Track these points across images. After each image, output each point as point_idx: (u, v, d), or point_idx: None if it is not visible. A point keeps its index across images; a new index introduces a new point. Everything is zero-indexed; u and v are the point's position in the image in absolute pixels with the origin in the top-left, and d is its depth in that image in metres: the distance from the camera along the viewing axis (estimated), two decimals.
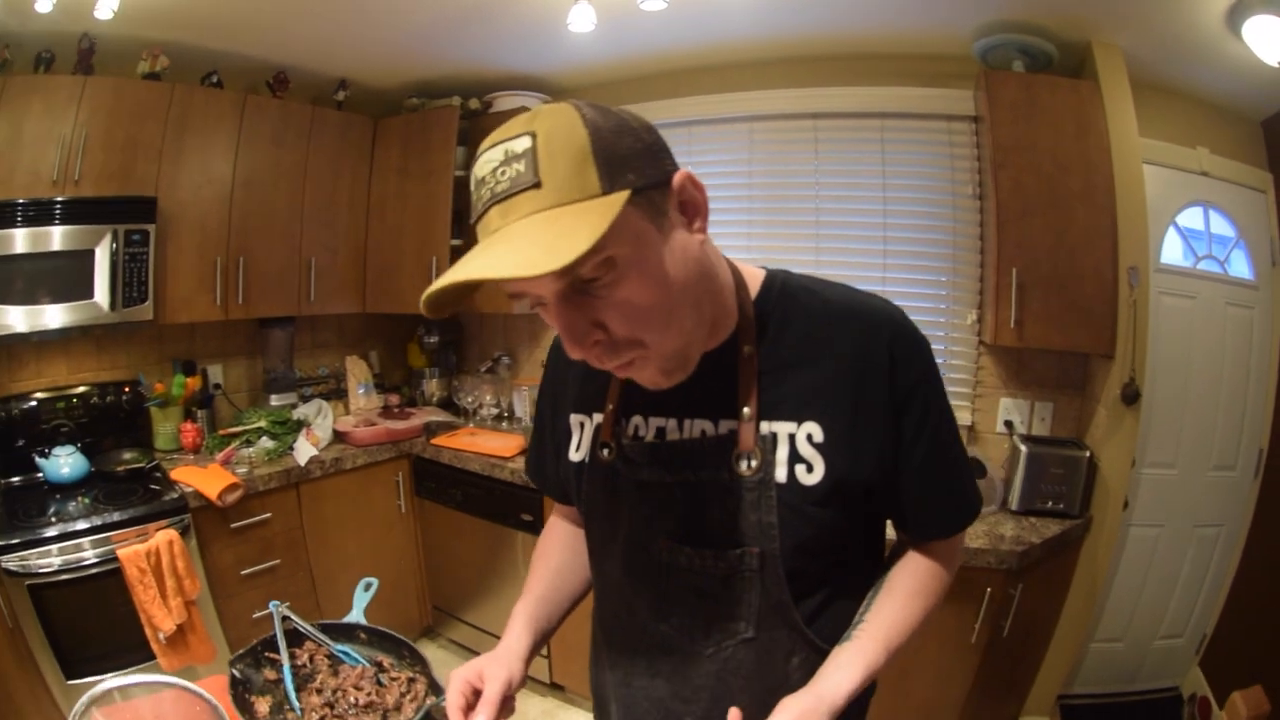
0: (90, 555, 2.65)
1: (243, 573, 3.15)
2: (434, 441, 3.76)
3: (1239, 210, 3.09)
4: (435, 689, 1.43)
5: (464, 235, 3.90)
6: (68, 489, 2.96)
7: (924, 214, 3.21)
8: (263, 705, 1.38)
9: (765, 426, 1.03)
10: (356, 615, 1.65)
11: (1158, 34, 2.53)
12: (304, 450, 3.40)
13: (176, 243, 3.24)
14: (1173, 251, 3.06)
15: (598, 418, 1.17)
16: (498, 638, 1.20)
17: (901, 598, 1.11)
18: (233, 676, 1.40)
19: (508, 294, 0.89)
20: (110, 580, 2.66)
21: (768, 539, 1.02)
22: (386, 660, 1.54)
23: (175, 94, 3.17)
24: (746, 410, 1.03)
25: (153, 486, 2.99)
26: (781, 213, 3.49)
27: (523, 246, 0.78)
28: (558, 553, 1.37)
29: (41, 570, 2.55)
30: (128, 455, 3.21)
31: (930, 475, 1.08)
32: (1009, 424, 3.07)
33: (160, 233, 3.13)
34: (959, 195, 3.12)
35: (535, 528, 3.32)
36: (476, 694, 1.08)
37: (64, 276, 2.90)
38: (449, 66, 3.71)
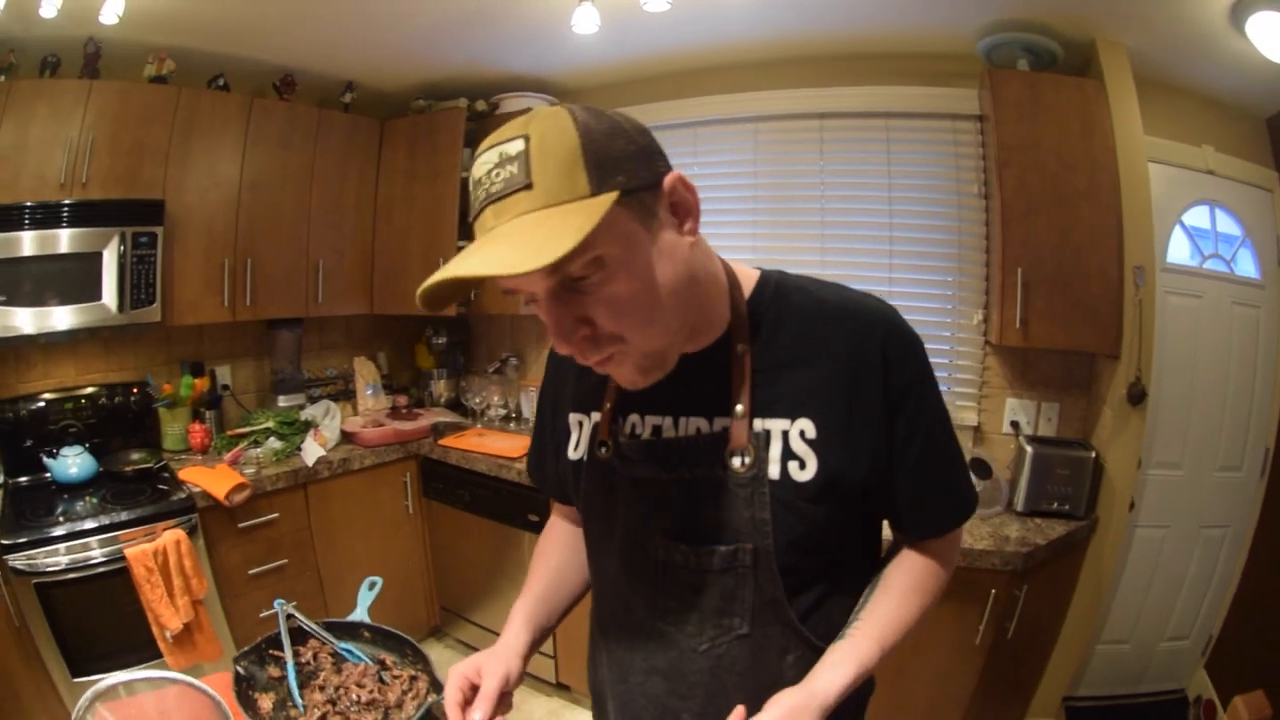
0: (98, 554, 2.65)
1: (250, 572, 3.15)
2: (441, 442, 3.75)
3: (1245, 209, 3.06)
4: (437, 687, 1.43)
5: (470, 237, 3.90)
6: (76, 489, 2.97)
7: (929, 214, 3.18)
8: (266, 702, 1.39)
9: (759, 424, 1.04)
10: (360, 614, 1.65)
11: (1162, 31, 2.50)
12: (311, 451, 3.39)
13: (184, 245, 3.24)
14: (1179, 251, 3.03)
15: (596, 416, 1.18)
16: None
17: (897, 595, 1.11)
18: (237, 673, 1.40)
19: (502, 290, 0.91)
20: (117, 579, 2.66)
21: (761, 535, 1.03)
22: (389, 658, 1.54)
23: (182, 97, 3.17)
24: (740, 408, 1.04)
25: (160, 486, 2.99)
26: (787, 213, 3.47)
27: (512, 246, 0.81)
28: (557, 552, 1.38)
29: (49, 569, 2.56)
30: (136, 455, 3.21)
31: (924, 474, 1.09)
32: (1015, 424, 3.05)
33: (168, 235, 3.13)
34: (964, 195, 3.09)
35: (541, 528, 3.28)
36: (474, 689, 1.10)
37: (72, 279, 2.90)
38: (455, 68, 3.70)
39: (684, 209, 0.95)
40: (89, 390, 3.24)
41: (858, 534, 1.14)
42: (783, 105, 3.38)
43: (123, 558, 2.65)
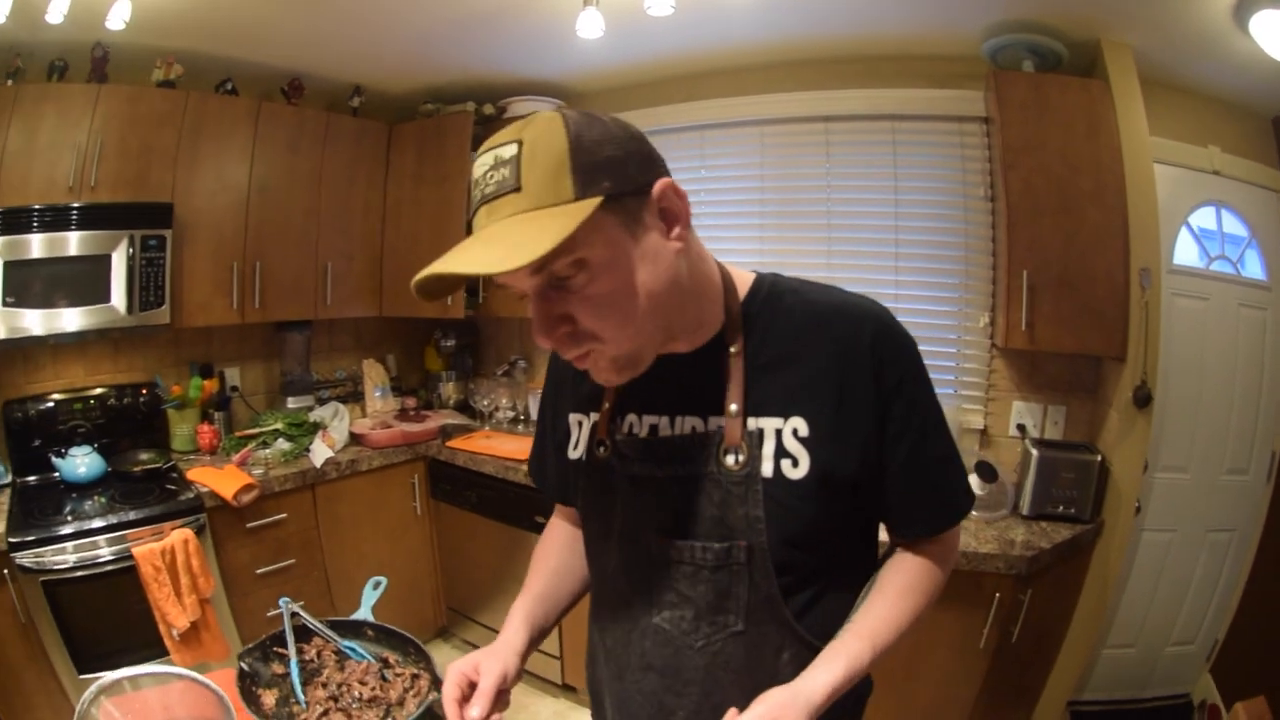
0: (106, 553, 2.67)
1: (257, 572, 3.15)
2: (449, 444, 3.75)
3: (1251, 209, 3.03)
4: (438, 685, 1.41)
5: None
6: (84, 488, 2.98)
7: (936, 216, 3.16)
8: (269, 698, 1.40)
9: (752, 422, 1.05)
10: (364, 613, 1.65)
11: (1166, 31, 2.48)
12: (320, 452, 3.40)
13: (193, 248, 3.25)
14: (1186, 252, 2.99)
15: (595, 416, 1.20)
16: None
17: (891, 596, 1.11)
18: (241, 669, 1.41)
19: (495, 285, 0.93)
20: (125, 577, 2.68)
21: (755, 533, 1.04)
22: (392, 657, 1.55)
23: (190, 101, 3.18)
24: (733, 407, 1.06)
25: (169, 486, 3.01)
26: (794, 216, 3.46)
27: (496, 245, 0.85)
28: (556, 553, 1.38)
29: (56, 567, 2.58)
30: (144, 456, 3.22)
31: (916, 473, 1.09)
32: (1021, 427, 3.02)
33: (177, 238, 3.15)
34: (970, 197, 3.07)
35: None
36: (473, 687, 1.10)
37: (81, 281, 2.92)
38: (462, 72, 3.70)
39: (672, 216, 0.97)
40: (98, 391, 3.26)
41: (854, 533, 1.14)
42: (788, 108, 3.36)
43: (130, 556, 2.67)
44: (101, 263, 2.95)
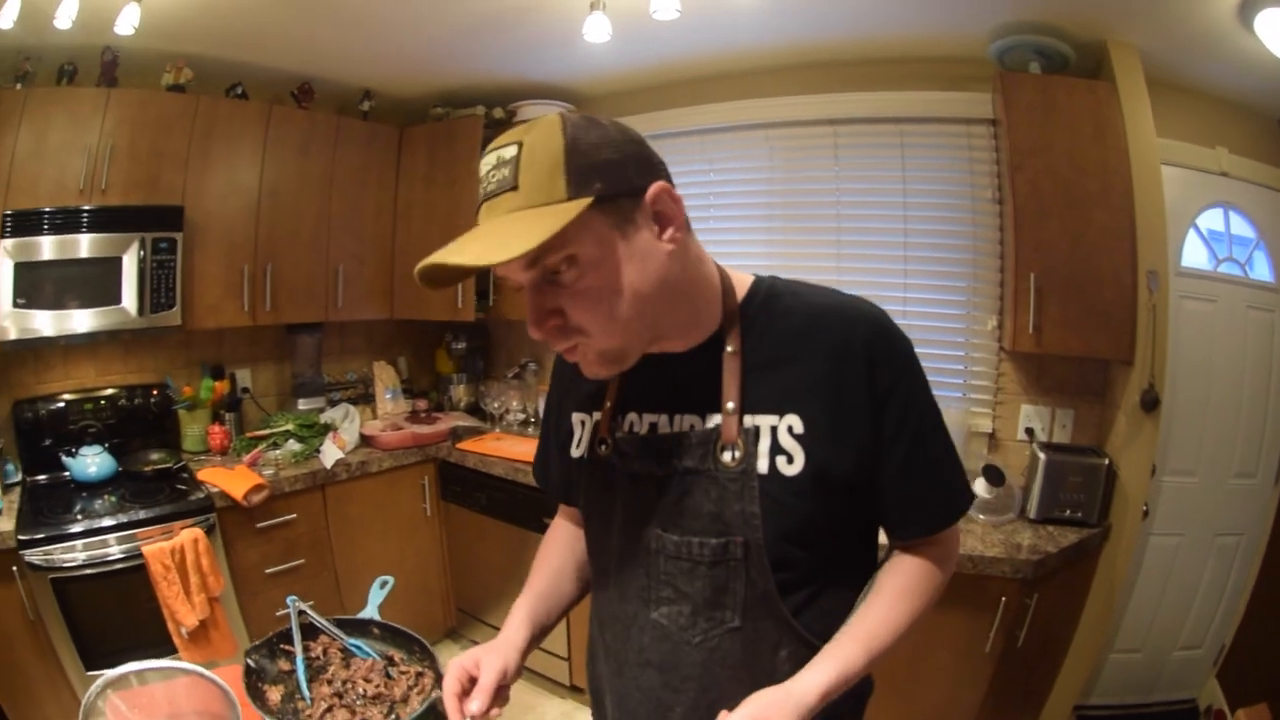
0: (115, 551, 2.69)
1: (267, 571, 3.16)
2: (459, 446, 3.74)
3: (1259, 211, 3.00)
4: (442, 683, 1.46)
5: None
6: (94, 487, 2.99)
7: (944, 219, 3.14)
8: (275, 694, 1.40)
9: (749, 420, 1.07)
10: (371, 611, 1.65)
11: (1171, 31, 2.45)
12: (330, 453, 3.40)
13: (204, 250, 3.25)
14: (1194, 254, 2.96)
15: (597, 416, 1.21)
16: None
17: (887, 599, 1.11)
18: (247, 666, 1.41)
19: (505, 288, 0.96)
20: (134, 576, 2.70)
21: (751, 528, 1.05)
22: (397, 655, 1.55)
23: (200, 105, 3.18)
24: (730, 404, 1.07)
25: (179, 486, 3.02)
26: (802, 219, 3.43)
27: (489, 240, 0.91)
28: (559, 553, 1.39)
29: (65, 565, 2.59)
30: (155, 456, 3.23)
31: (911, 473, 1.09)
32: (1030, 431, 2.99)
33: (188, 240, 3.15)
34: (978, 200, 3.04)
35: None
36: (473, 681, 1.13)
37: (92, 282, 2.94)
38: (471, 76, 3.69)
39: (666, 218, 1.00)
40: (109, 391, 3.27)
41: (851, 534, 1.14)
42: (796, 111, 3.34)
43: (140, 555, 2.68)
44: (112, 265, 2.96)
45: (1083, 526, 2.68)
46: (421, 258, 3.36)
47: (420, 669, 1.51)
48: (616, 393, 1.19)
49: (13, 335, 2.78)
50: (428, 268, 0.94)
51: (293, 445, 3.46)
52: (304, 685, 1.43)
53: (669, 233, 1.00)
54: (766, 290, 1.14)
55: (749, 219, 3.56)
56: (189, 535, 2.77)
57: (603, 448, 1.18)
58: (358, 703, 1.40)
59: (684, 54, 3.28)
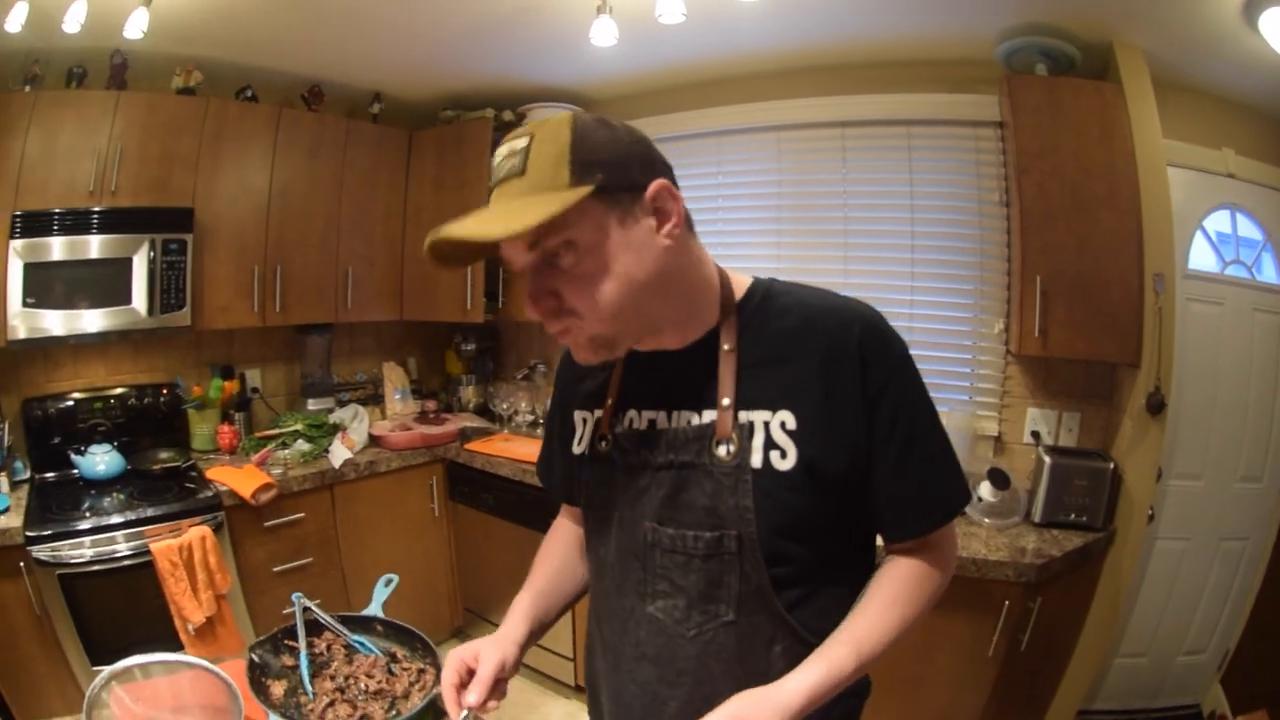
0: (123, 548, 2.70)
1: (275, 569, 3.15)
2: (467, 447, 3.73)
3: (1266, 213, 2.97)
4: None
5: (498, 246, 3.94)
6: (103, 485, 3.00)
7: (951, 222, 3.11)
8: (278, 688, 1.42)
9: (743, 415, 1.08)
10: (375, 609, 1.66)
11: (1176, 31, 2.42)
12: (339, 453, 3.39)
13: (214, 252, 3.26)
14: (1202, 257, 2.93)
15: (598, 413, 1.23)
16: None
17: (880, 603, 1.11)
18: (251, 660, 1.43)
19: (504, 260, 1.03)
20: (142, 573, 2.70)
21: (744, 522, 1.05)
22: (400, 652, 1.57)
23: (210, 108, 3.19)
24: (725, 400, 1.08)
25: (188, 485, 3.03)
26: (810, 222, 3.41)
27: (495, 218, 0.96)
28: (560, 551, 1.41)
29: (73, 561, 2.60)
30: (164, 454, 3.24)
31: (903, 473, 1.09)
32: (1036, 434, 2.97)
33: (198, 242, 3.16)
34: (985, 202, 3.01)
35: None
36: (471, 674, 1.14)
37: (102, 283, 2.95)
38: (480, 79, 3.68)
39: (665, 214, 1.03)
40: (118, 390, 3.28)
41: (845, 533, 1.14)
42: (804, 114, 3.32)
43: (148, 552, 2.68)
44: (122, 266, 2.97)
45: (1087, 530, 2.65)
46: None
47: (422, 666, 1.52)
48: (618, 390, 1.21)
49: (22, 334, 2.79)
50: (436, 243, 0.98)
51: (301, 445, 3.45)
52: (307, 680, 1.45)
53: (667, 228, 1.03)
54: (764, 291, 1.16)
55: (757, 221, 3.54)
56: (197, 533, 2.77)
57: (603, 444, 1.20)
58: (359, 698, 1.42)
59: (691, 57, 3.27)
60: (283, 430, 3.52)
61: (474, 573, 3.92)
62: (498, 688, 1.15)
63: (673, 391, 1.15)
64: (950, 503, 1.15)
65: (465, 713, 1.11)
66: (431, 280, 3.97)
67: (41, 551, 2.55)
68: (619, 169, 0.99)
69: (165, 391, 3.40)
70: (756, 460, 1.06)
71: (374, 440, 3.71)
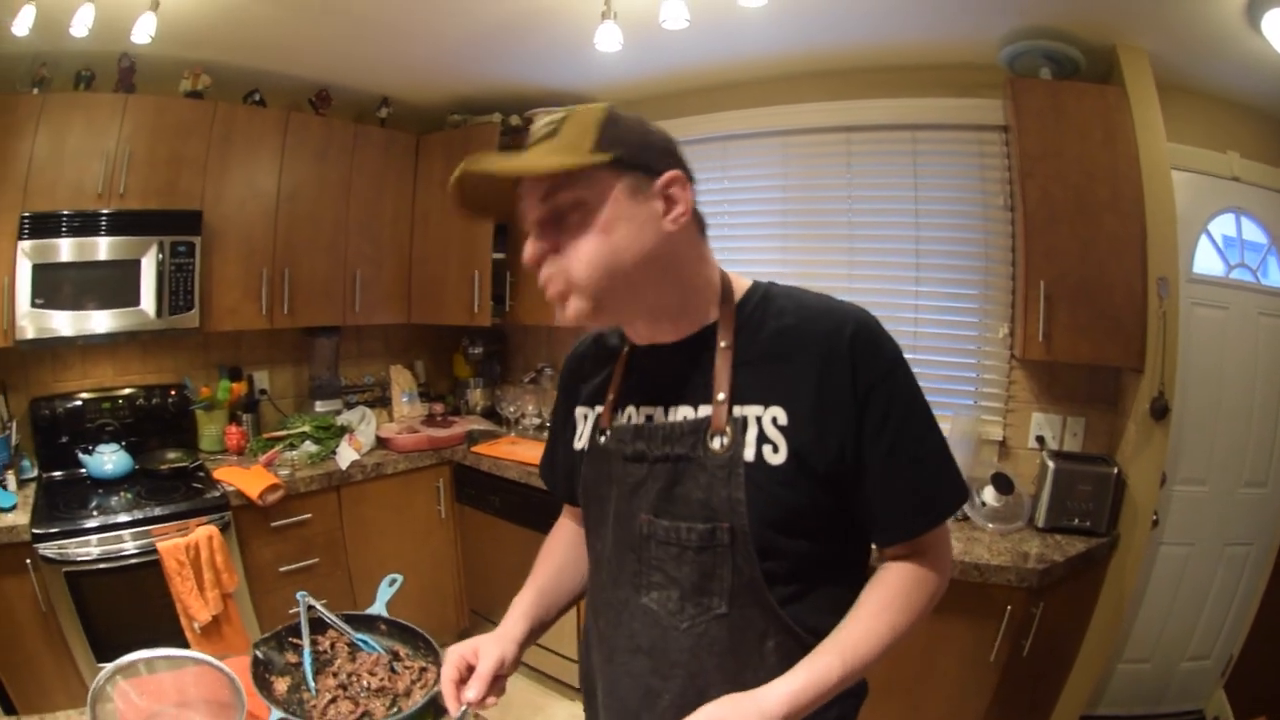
0: (130, 546, 2.71)
1: (281, 569, 3.16)
2: (474, 449, 3.72)
3: (1271, 216, 2.93)
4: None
5: (507, 249, 3.90)
6: (111, 484, 3.00)
7: (956, 226, 3.09)
8: (281, 685, 1.43)
9: (737, 410, 1.09)
10: (378, 608, 1.66)
11: (1179, 33, 2.40)
12: (346, 455, 3.39)
13: (222, 254, 3.27)
14: (1206, 260, 2.90)
15: (599, 409, 1.25)
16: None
17: (870, 610, 1.10)
18: (255, 657, 1.43)
19: (518, 213, 1.11)
20: (148, 571, 2.71)
21: (737, 515, 1.06)
22: (403, 650, 1.57)
23: (218, 112, 3.20)
24: (720, 396, 1.10)
25: (195, 485, 3.04)
26: (816, 227, 3.39)
27: (519, 162, 1.05)
28: (562, 551, 1.43)
29: (79, 559, 2.60)
30: (172, 455, 3.24)
31: (893, 474, 1.09)
32: (1040, 439, 2.94)
33: (206, 244, 3.17)
34: (990, 207, 2.99)
35: None
36: (471, 670, 1.16)
37: (111, 284, 2.96)
38: (487, 84, 3.69)
39: (672, 201, 1.08)
40: (126, 391, 3.29)
41: (842, 532, 1.13)
42: (809, 119, 3.31)
43: (154, 551, 2.69)
44: (131, 267, 2.98)
45: (1091, 536, 2.62)
46: (439, 263, 3.46)
47: (424, 664, 1.53)
48: (618, 388, 1.23)
49: (30, 334, 2.80)
50: (462, 178, 1.06)
51: (309, 446, 3.45)
52: (310, 677, 1.45)
53: (673, 214, 1.07)
54: (763, 293, 1.18)
55: (763, 226, 3.53)
56: (204, 532, 2.78)
57: (602, 438, 1.22)
58: (361, 695, 1.42)
59: (695, 62, 3.25)
60: (290, 432, 3.52)
61: (480, 575, 3.91)
62: (497, 684, 1.16)
63: (670, 388, 1.16)
64: (940, 505, 1.14)
65: (464, 708, 1.12)
66: (439, 284, 3.98)
67: (48, 549, 2.56)
68: (640, 150, 1.06)
69: (173, 392, 3.40)
70: (749, 454, 1.07)
71: (381, 442, 3.71)
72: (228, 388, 3.49)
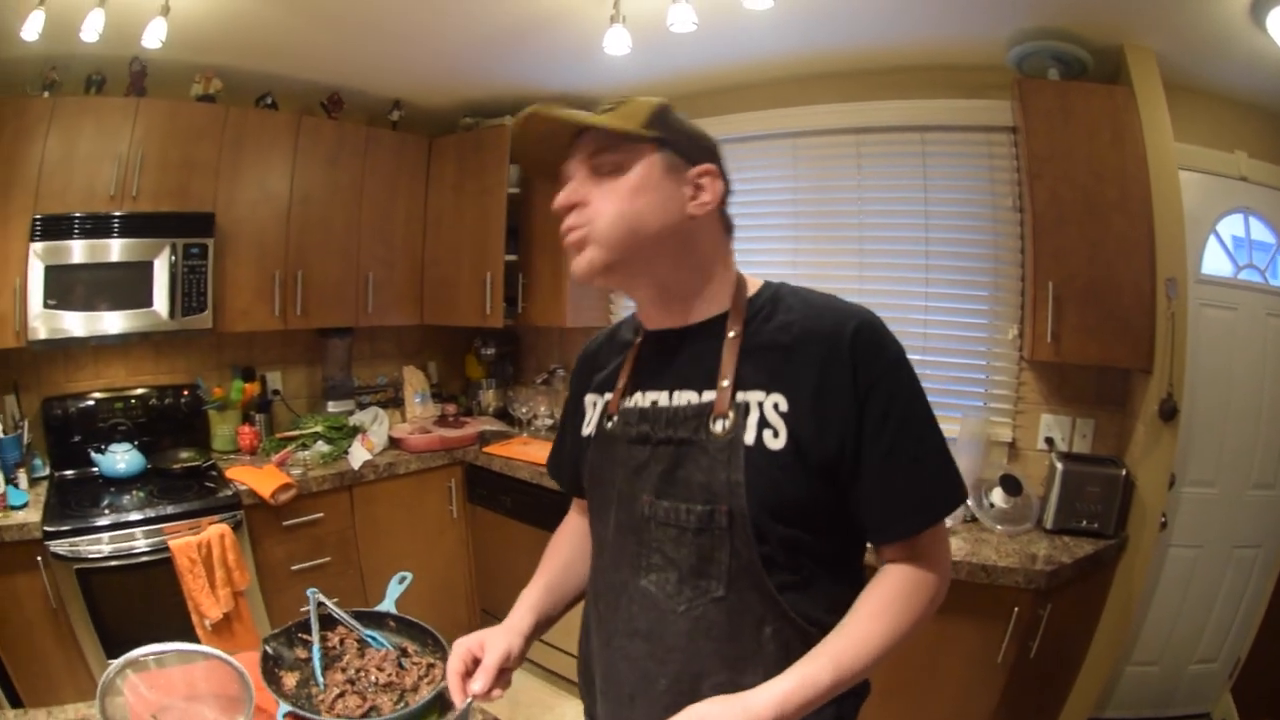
0: (142, 544, 2.72)
1: (293, 568, 3.15)
2: (486, 450, 3.72)
3: (1279, 216, 2.91)
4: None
5: (518, 250, 3.89)
6: (123, 483, 3.01)
7: (965, 228, 3.07)
8: (290, 679, 1.43)
9: (740, 395, 1.11)
10: (388, 605, 1.67)
11: (1185, 33, 2.37)
12: (358, 455, 3.38)
13: (235, 256, 3.27)
14: (1215, 261, 2.86)
15: (608, 396, 1.28)
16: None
17: (864, 614, 1.08)
18: (265, 652, 1.44)
19: (561, 169, 1.19)
20: (160, 569, 2.72)
21: (736, 497, 1.07)
22: (411, 647, 1.57)
23: (230, 115, 3.21)
24: (725, 381, 1.12)
25: (208, 484, 3.04)
26: (826, 228, 3.37)
27: (581, 116, 1.12)
28: (568, 548, 1.44)
29: (90, 556, 2.60)
30: (184, 454, 3.25)
31: (890, 473, 1.08)
32: (1050, 441, 2.91)
33: (218, 246, 3.17)
34: (999, 208, 2.96)
35: None
36: (477, 663, 1.16)
37: (124, 286, 2.97)
38: (498, 87, 3.68)
39: (700, 191, 1.15)
40: (139, 391, 3.30)
41: (841, 529, 1.13)
42: (819, 120, 3.29)
43: (166, 548, 2.69)
44: (144, 269, 2.98)
45: (1099, 537, 2.60)
46: (451, 265, 3.49)
47: (432, 660, 1.53)
48: (628, 376, 1.26)
49: (43, 335, 2.81)
50: (532, 116, 1.12)
51: (321, 446, 3.44)
52: (319, 672, 1.45)
53: (699, 201, 1.14)
54: (773, 291, 1.21)
55: (773, 227, 3.50)
56: (216, 531, 2.78)
57: (609, 423, 1.24)
58: (369, 690, 1.43)
59: (704, 65, 3.24)
60: (303, 432, 3.52)
61: (491, 574, 3.89)
62: (502, 677, 1.17)
63: (677, 373, 1.19)
64: (938, 504, 1.13)
65: (470, 700, 1.13)
66: (451, 285, 3.98)
67: (59, 546, 2.57)
68: (683, 140, 1.15)
69: (186, 392, 3.41)
70: (749, 437, 1.09)
71: (393, 442, 3.71)
72: (240, 388, 3.49)
